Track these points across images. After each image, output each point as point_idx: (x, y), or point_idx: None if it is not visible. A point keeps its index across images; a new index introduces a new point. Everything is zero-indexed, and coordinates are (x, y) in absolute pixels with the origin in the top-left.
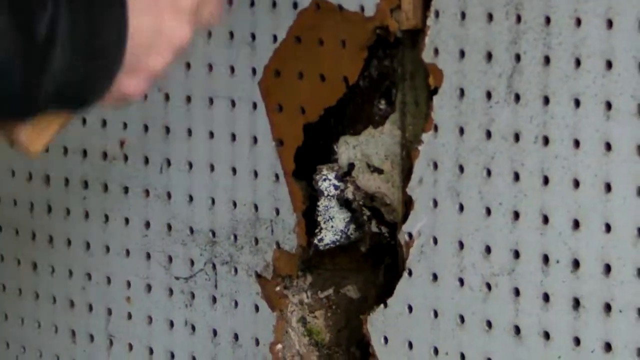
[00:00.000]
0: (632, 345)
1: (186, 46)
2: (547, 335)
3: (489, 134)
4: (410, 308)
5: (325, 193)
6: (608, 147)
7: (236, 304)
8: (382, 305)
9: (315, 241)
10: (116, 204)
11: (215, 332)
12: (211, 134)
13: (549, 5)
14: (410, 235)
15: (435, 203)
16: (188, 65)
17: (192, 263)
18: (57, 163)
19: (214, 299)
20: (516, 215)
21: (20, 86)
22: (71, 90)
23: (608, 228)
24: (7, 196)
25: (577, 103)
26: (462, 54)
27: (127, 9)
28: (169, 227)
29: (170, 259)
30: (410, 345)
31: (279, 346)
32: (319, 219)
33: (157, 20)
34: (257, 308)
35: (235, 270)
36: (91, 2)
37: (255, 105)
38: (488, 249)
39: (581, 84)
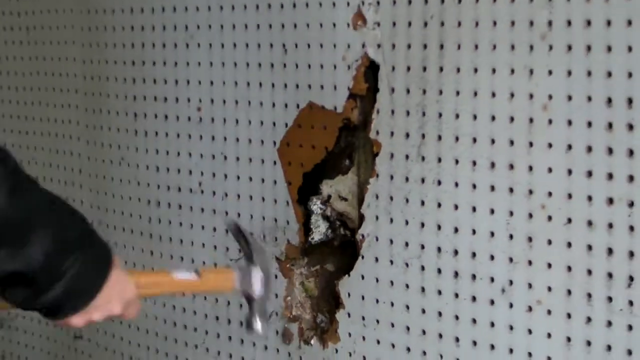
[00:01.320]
0: None
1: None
2: (439, 292)
3: (407, 179)
4: (362, 277)
5: (315, 212)
6: (474, 187)
7: None
8: (347, 275)
9: (309, 239)
10: (198, 218)
11: None
12: (250, 179)
13: (441, 105)
14: (362, 236)
15: (377, 218)
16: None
17: (240, 251)
18: None
19: None
20: (422, 225)
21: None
22: (54, 311)
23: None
24: None
25: (457, 161)
26: (392, 134)
27: (108, 276)
28: (226, 231)
29: (227, 248)
30: (363, 297)
31: (289, 298)
32: (311, 226)
33: (116, 292)
34: (276, 276)
35: None
36: (90, 262)
37: (275, 162)
38: (406, 244)
39: (457, 152)
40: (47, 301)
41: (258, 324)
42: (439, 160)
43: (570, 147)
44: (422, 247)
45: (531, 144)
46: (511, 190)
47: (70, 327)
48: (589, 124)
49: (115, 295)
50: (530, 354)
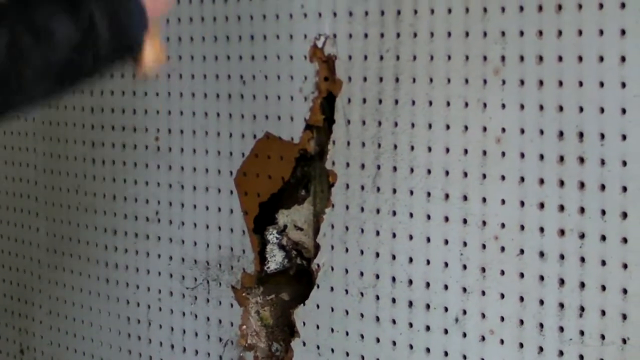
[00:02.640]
0: None
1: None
2: (394, 322)
3: (362, 209)
4: (317, 306)
5: (271, 241)
6: (428, 217)
7: (220, 303)
8: (302, 304)
9: (265, 268)
10: (155, 247)
11: (208, 319)
12: (207, 207)
13: (396, 137)
14: (318, 265)
15: (332, 247)
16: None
17: (196, 279)
18: None
19: (207, 300)
20: (377, 255)
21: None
22: (121, 37)
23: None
24: None
25: (411, 193)
26: (348, 164)
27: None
28: (183, 259)
29: (183, 277)
30: (318, 326)
31: (244, 327)
32: (267, 256)
33: None
34: (232, 305)
35: (220, 284)
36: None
37: (232, 192)
38: (362, 274)
39: (412, 183)
40: (108, 39)
41: None
42: (394, 191)
43: (522, 179)
44: (377, 276)
45: (484, 176)
46: (465, 221)
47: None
48: (541, 157)
49: None
50: None
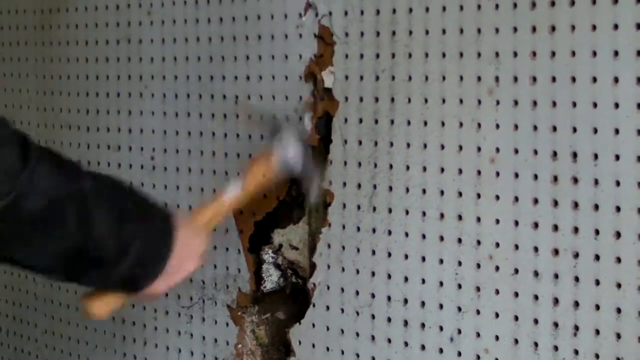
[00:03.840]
0: None
1: (193, 271)
2: (389, 341)
3: (358, 229)
4: (313, 325)
5: (267, 261)
6: (423, 237)
7: (216, 321)
8: (298, 323)
9: (261, 287)
10: None
11: (203, 338)
12: None
13: (392, 157)
14: (314, 284)
15: (329, 267)
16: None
17: (191, 299)
18: None
19: (203, 319)
20: (373, 274)
21: (104, 278)
22: (131, 284)
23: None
24: None
25: (407, 212)
26: (344, 184)
27: (174, 239)
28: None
29: (178, 296)
30: (313, 345)
31: (240, 346)
32: (263, 275)
33: (186, 251)
34: (227, 324)
35: (215, 303)
36: (153, 229)
37: None
38: (357, 293)
39: (408, 203)
40: (121, 274)
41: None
42: (390, 210)
43: (517, 199)
44: (373, 295)
45: (479, 196)
46: (460, 240)
47: (155, 297)
48: (535, 177)
49: (186, 254)
50: None
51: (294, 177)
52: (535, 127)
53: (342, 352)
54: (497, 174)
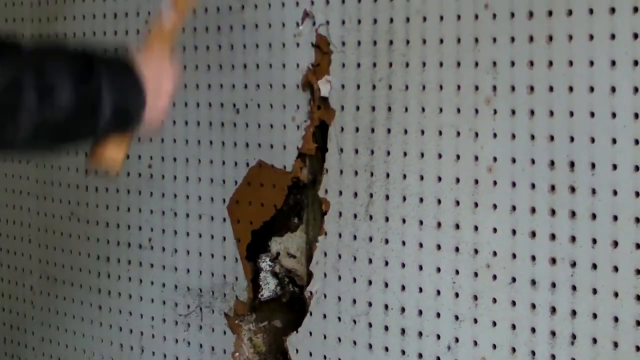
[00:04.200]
0: None
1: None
2: (386, 349)
3: (355, 237)
4: (310, 333)
5: (264, 269)
6: (420, 246)
7: (213, 330)
8: (295, 332)
9: (259, 296)
10: (148, 274)
11: (201, 346)
12: (200, 235)
13: (388, 166)
14: (311, 293)
15: (325, 275)
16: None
17: (189, 307)
18: None
19: (200, 327)
20: (370, 282)
21: (88, 123)
22: (122, 127)
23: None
24: None
25: (404, 221)
26: (340, 193)
27: (138, 71)
28: (176, 286)
29: (176, 304)
30: (310, 354)
31: (237, 354)
32: (260, 283)
33: (156, 75)
34: (224, 332)
35: (213, 311)
36: (115, 75)
37: (224, 219)
38: (354, 301)
39: (405, 211)
40: (105, 126)
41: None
42: (387, 219)
43: (514, 208)
44: (370, 304)
45: (476, 205)
46: (457, 249)
47: (155, 129)
48: (533, 186)
49: (158, 78)
50: None
51: None
52: (532, 137)
53: None
54: (495, 183)
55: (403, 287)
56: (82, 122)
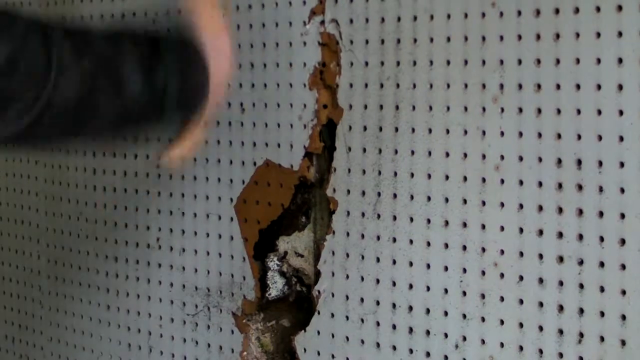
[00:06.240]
0: None
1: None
2: (394, 348)
3: (362, 236)
4: (318, 332)
5: (272, 268)
6: (428, 244)
7: (221, 329)
8: (303, 331)
9: (266, 295)
10: (156, 274)
11: (209, 345)
12: (207, 234)
13: (396, 164)
14: (318, 292)
15: (333, 274)
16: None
17: (197, 306)
18: None
19: (208, 327)
20: (377, 281)
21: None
22: (189, 114)
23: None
24: None
25: (411, 219)
26: (348, 192)
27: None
28: (183, 286)
29: (184, 303)
30: (318, 353)
31: (245, 353)
32: (268, 282)
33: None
34: (232, 332)
35: (221, 310)
36: (177, 59)
37: (232, 219)
38: (362, 300)
39: (412, 210)
40: (172, 115)
41: None
42: (394, 218)
43: (521, 206)
44: (378, 303)
45: (484, 203)
46: (464, 248)
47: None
48: (540, 184)
49: (215, 54)
50: None
51: None
52: (539, 135)
53: None
54: (502, 181)
55: (410, 286)
56: (148, 112)
